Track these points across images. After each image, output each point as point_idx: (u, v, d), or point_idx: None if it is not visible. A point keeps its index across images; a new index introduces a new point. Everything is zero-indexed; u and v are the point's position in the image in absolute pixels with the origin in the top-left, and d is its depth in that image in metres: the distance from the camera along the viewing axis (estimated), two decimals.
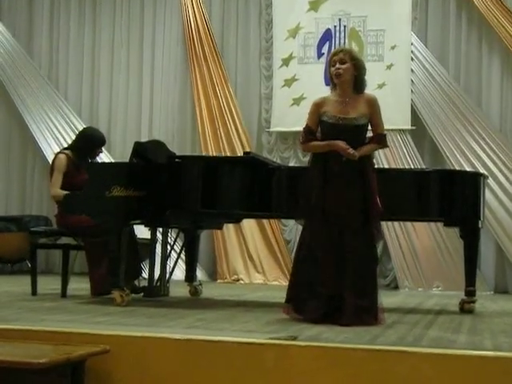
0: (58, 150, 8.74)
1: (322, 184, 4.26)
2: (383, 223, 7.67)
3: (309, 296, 4.21)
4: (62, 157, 5.73)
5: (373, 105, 4.37)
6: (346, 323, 3.99)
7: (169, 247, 5.91)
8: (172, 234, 6.08)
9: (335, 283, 4.16)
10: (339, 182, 4.24)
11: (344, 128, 4.28)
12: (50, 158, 8.78)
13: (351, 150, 4.21)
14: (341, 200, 4.21)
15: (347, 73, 4.30)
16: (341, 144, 4.22)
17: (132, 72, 9.09)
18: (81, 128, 8.81)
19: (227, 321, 4.20)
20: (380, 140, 4.43)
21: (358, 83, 4.36)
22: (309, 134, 4.37)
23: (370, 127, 4.45)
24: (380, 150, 7.67)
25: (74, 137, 8.82)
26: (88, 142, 5.84)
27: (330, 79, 4.41)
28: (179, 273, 6.95)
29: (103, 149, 6.27)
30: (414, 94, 8.07)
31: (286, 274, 7.89)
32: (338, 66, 4.30)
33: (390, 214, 5.16)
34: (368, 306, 4.16)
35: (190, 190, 4.93)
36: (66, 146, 8.72)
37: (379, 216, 4.27)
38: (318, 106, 4.37)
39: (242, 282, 8.22)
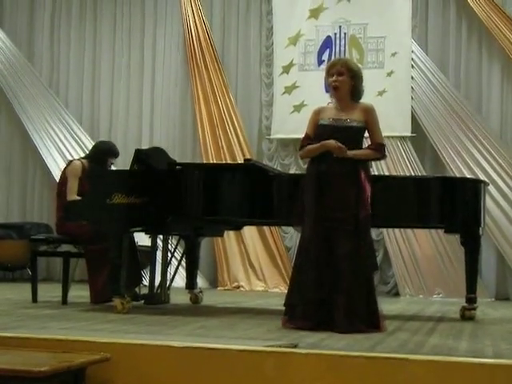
0: (59, 157, 8.86)
1: (315, 189, 4.29)
2: (384, 230, 7.80)
3: (300, 302, 4.24)
4: (78, 163, 5.82)
5: (369, 113, 4.42)
6: (339, 331, 4.00)
7: (169, 254, 5.91)
8: (172, 241, 6.08)
9: (328, 288, 4.17)
10: (333, 186, 4.26)
11: (336, 129, 4.34)
12: (51, 166, 8.86)
13: (341, 145, 4.24)
14: (335, 204, 4.23)
15: (344, 85, 4.38)
16: (330, 141, 4.28)
17: (133, 80, 9.11)
18: (81, 135, 8.91)
19: (228, 328, 4.20)
20: (377, 149, 4.44)
21: (355, 92, 4.43)
22: (306, 139, 4.45)
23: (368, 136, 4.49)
24: None
25: (74, 144, 8.95)
26: (100, 151, 5.94)
27: (329, 90, 4.47)
28: (180, 280, 6.95)
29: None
30: (414, 101, 8.08)
31: (286, 281, 7.87)
32: (335, 78, 4.37)
33: (390, 221, 5.20)
34: (362, 312, 4.15)
35: (190, 197, 4.94)
36: (66, 152, 8.84)
37: (368, 220, 4.27)
38: (316, 114, 4.47)
39: (242, 289, 8.22)
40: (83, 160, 5.91)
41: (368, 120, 4.40)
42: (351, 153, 4.29)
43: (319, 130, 4.40)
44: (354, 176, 4.29)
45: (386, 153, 4.61)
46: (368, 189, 4.31)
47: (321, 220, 4.24)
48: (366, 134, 4.50)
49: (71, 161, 6.05)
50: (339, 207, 4.22)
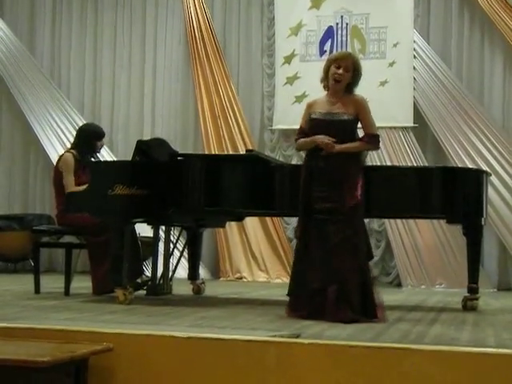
0: (61, 148, 8.82)
1: (307, 181, 4.35)
2: (386, 220, 7.80)
3: (300, 292, 4.29)
4: (69, 156, 5.75)
5: (360, 105, 4.43)
6: (329, 319, 4.03)
7: (171, 245, 5.91)
8: (175, 232, 6.08)
9: (321, 278, 4.20)
10: (323, 179, 4.30)
11: (327, 123, 4.37)
12: (53, 157, 8.84)
13: (327, 140, 4.28)
14: (325, 196, 4.27)
15: (346, 81, 4.42)
16: (319, 136, 4.32)
17: (134, 70, 9.09)
18: None
19: (230, 319, 4.21)
20: (370, 140, 4.45)
21: (349, 88, 4.46)
22: (300, 133, 4.52)
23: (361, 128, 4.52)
24: (383, 148, 7.71)
25: None
26: (86, 136, 5.85)
27: (325, 76, 4.47)
28: (182, 271, 6.96)
29: (106, 147, 6.27)
30: (416, 92, 8.06)
31: (288, 272, 7.86)
32: (341, 71, 4.38)
33: (392, 212, 5.20)
34: (355, 301, 4.16)
35: (192, 188, 4.94)
36: (68, 144, 8.81)
37: (356, 210, 4.27)
38: (308, 107, 4.52)
39: (244, 280, 8.23)
40: (72, 151, 5.84)
41: (358, 111, 4.42)
42: (341, 147, 4.31)
43: (311, 124, 4.45)
44: (344, 170, 4.32)
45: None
46: (359, 181, 4.32)
47: (312, 212, 4.29)
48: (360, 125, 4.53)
49: (62, 154, 5.98)
50: (328, 199, 4.26)
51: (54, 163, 8.56)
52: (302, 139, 4.47)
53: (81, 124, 8.84)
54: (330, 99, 4.44)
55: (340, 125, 4.37)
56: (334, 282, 4.16)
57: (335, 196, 4.26)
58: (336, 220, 4.24)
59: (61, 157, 5.89)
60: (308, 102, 4.58)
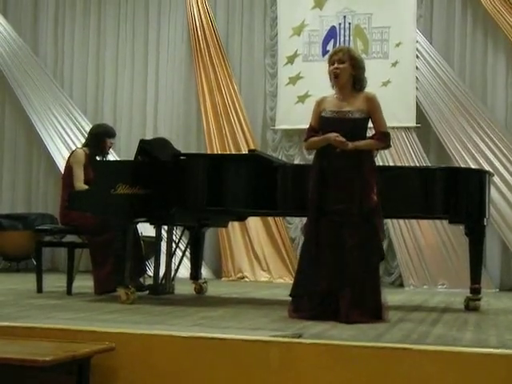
0: (64, 147, 8.88)
1: (318, 181, 4.29)
2: (388, 220, 7.79)
3: (305, 294, 4.26)
4: (81, 151, 5.82)
5: (371, 102, 4.37)
6: (343, 320, 4.01)
7: (174, 245, 5.92)
8: (177, 232, 6.09)
9: (333, 280, 4.17)
10: (336, 179, 4.25)
11: (338, 121, 4.30)
12: (56, 157, 8.88)
13: (341, 138, 4.21)
14: (339, 196, 4.21)
15: (345, 73, 4.34)
16: (331, 134, 4.24)
17: (137, 70, 9.10)
18: (86, 126, 8.90)
19: (232, 318, 4.21)
20: (381, 138, 4.38)
21: (357, 82, 4.39)
22: (310, 131, 4.43)
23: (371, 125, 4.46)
24: None
25: (79, 135, 8.97)
26: (96, 133, 5.90)
27: (330, 78, 4.44)
28: (184, 271, 6.96)
29: None
30: (418, 92, 8.06)
31: (290, 272, 7.90)
32: (336, 65, 4.33)
33: (395, 212, 5.18)
34: (368, 303, 4.15)
35: (194, 188, 4.94)
36: (71, 143, 8.85)
37: (376, 210, 4.24)
38: (318, 105, 4.44)
39: (247, 279, 8.23)
40: (84, 148, 5.90)
41: (370, 109, 4.35)
42: (353, 144, 4.24)
43: (322, 124, 4.37)
44: (357, 169, 4.26)
45: (391, 143, 4.56)
46: (373, 180, 4.29)
47: (324, 213, 4.24)
48: (370, 124, 4.46)
49: (74, 150, 6.07)
50: (342, 200, 4.21)
51: (57, 163, 8.70)
52: (313, 138, 4.39)
53: (83, 124, 8.95)
54: (340, 96, 4.37)
55: (351, 123, 4.30)
56: (348, 284, 4.12)
57: (349, 196, 4.20)
58: (351, 221, 4.18)
59: (72, 152, 5.96)
60: (317, 100, 4.48)
